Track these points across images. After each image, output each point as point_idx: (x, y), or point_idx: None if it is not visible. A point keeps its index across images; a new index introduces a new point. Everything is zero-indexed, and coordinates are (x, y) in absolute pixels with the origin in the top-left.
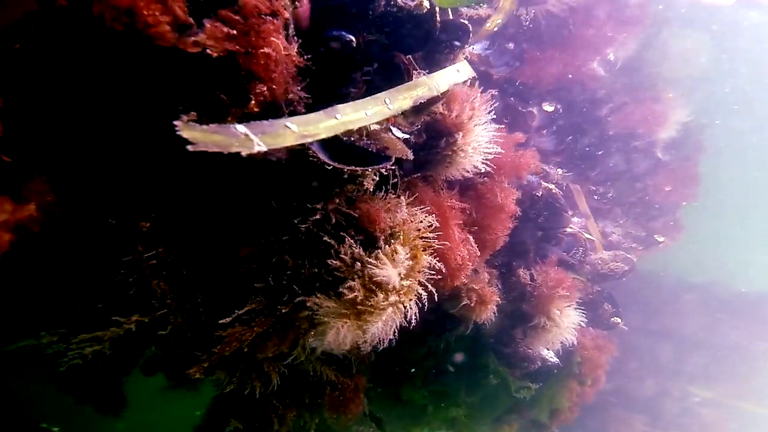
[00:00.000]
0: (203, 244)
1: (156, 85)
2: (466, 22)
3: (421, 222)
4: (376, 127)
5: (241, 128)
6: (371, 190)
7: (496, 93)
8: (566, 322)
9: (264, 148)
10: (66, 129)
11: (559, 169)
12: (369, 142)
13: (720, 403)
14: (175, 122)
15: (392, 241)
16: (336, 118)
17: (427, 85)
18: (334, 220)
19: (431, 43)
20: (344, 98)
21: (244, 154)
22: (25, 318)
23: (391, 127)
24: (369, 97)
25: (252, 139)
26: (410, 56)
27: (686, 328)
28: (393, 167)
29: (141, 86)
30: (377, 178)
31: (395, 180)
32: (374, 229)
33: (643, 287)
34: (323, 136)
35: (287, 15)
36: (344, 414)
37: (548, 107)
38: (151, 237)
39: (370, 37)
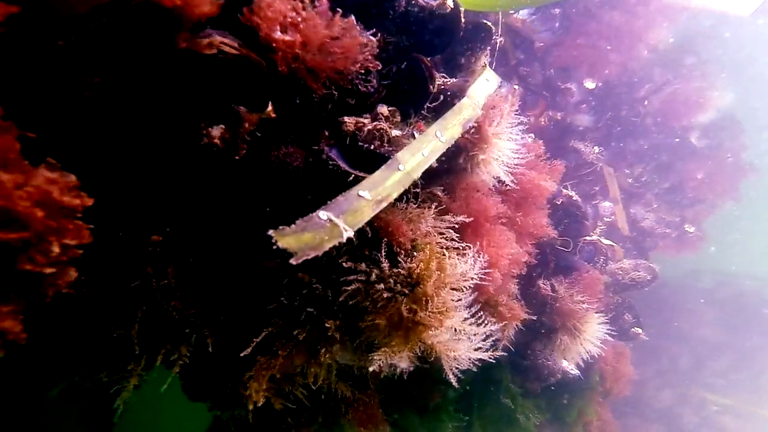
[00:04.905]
0: (216, 261)
1: (167, 86)
2: (488, 22)
3: (446, 233)
4: (398, 133)
5: (323, 215)
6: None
7: (537, 65)
8: (588, 334)
9: (352, 233)
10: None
11: (595, 147)
12: (390, 149)
13: (739, 412)
14: (270, 232)
15: (415, 254)
16: (399, 169)
17: (470, 105)
18: None
19: (454, 44)
20: (364, 103)
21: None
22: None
23: (414, 133)
24: (420, 136)
25: (338, 224)
26: (431, 59)
27: (704, 333)
28: None
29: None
30: None
31: (416, 189)
32: (395, 242)
33: (661, 290)
34: (395, 195)
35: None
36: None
37: (589, 84)
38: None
39: (390, 39)
